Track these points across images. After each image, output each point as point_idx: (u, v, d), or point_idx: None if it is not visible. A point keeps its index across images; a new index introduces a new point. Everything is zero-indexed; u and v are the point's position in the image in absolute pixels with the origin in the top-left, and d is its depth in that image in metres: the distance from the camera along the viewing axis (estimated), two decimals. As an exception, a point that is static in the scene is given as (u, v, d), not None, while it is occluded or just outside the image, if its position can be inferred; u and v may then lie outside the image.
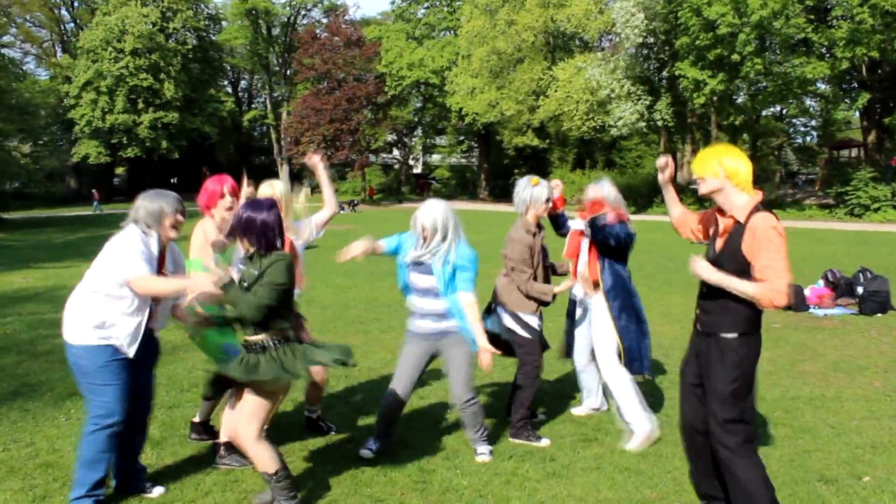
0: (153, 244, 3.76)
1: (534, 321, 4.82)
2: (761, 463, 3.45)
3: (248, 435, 3.60)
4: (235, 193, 4.47)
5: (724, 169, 3.36)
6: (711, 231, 3.64)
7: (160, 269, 3.81)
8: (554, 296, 4.76)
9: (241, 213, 3.63)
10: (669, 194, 3.90)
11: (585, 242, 4.94)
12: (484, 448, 4.51)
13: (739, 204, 3.37)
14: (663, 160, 3.83)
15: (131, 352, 3.71)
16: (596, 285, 4.85)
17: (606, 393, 5.12)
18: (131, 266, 3.60)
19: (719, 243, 3.47)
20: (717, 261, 3.42)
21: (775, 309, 3.32)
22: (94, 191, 42.88)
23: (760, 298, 3.24)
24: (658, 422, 4.84)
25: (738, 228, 3.35)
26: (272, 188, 4.60)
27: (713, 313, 3.46)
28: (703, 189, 3.45)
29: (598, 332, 4.87)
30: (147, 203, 3.79)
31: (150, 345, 3.89)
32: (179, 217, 3.84)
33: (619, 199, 4.87)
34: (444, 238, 4.29)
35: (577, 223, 5.05)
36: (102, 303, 3.65)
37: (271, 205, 3.66)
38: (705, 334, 3.50)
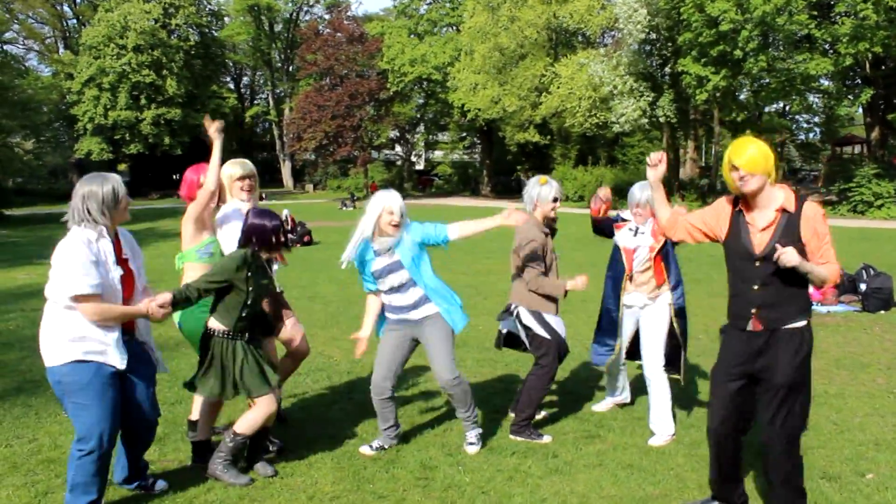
0: (104, 243, 3.47)
1: (557, 322, 4.78)
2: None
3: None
4: None
5: (769, 167, 3.36)
6: (727, 231, 3.55)
7: (120, 258, 3.56)
8: (566, 292, 4.72)
9: (268, 223, 3.92)
10: (658, 194, 3.77)
11: (643, 249, 4.80)
12: (474, 435, 4.54)
13: (781, 196, 3.40)
14: (657, 155, 3.72)
15: (116, 361, 3.48)
16: (661, 285, 4.78)
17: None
18: (74, 284, 3.33)
19: (763, 237, 3.41)
20: (768, 256, 3.35)
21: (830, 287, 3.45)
22: None
23: (830, 279, 3.39)
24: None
25: (791, 219, 3.37)
26: (243, 167, 4.62)
27: (780, 306, 3.42)
28: (753, 186, 3.37)
29: (655, 334, 4.78)
30: (96, 188, 3.46)
31: (142, 360, 3.71)
32: (128, 197, 3.61)
33: None
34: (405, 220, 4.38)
35: (625, 238, 4.90)
36: (72, 315, 3.40)
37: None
38: (767, 332, 3.43)
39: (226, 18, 58.29)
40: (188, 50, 49.86)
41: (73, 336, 3.41)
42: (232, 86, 62.84)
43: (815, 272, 3.35)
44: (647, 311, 4.83)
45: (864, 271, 9.65)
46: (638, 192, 4.80)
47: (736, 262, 3.53)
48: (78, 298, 3.36)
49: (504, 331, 4.98)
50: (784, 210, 3.39)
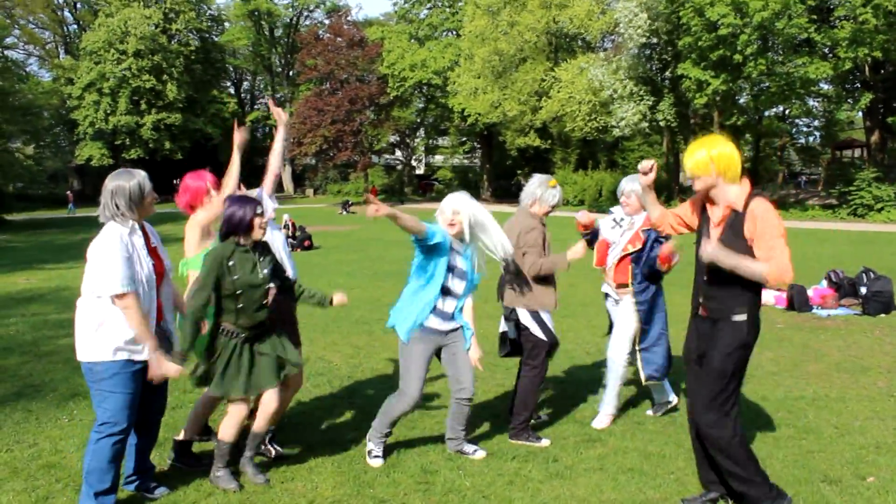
0: (136, 237, 3.64)
1: (550, 320, 4.80)
2: (745, 436, 3.62)
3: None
4: (217, 188, 4.44)
5: (715, 166, 3.48)
6: (698, 222, 3.75)
7: (149, 248, 3.73)
8: (569, 264, 4.76)
9: (249, 209, 3.85)
10: (650, 197, 3.97)
11: (615, 248, 5.06)
12: (471, 449, 4.54)
13: (733, 194, 3.51)
14: (648, 164, 3.86)
15: (145, 354, 3.61)
16: (624, 286, 5.03)
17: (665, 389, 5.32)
18: (112, 284, 3.47)
19: (716, 233, 3.57)
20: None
21: (783, 285, 3.38)
22: (69, 192, 43.63)
23: (769, 276, 3.35)
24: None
25: (738, 217, 3.47)
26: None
27: (719, 299, 3.55)
28: (697, 187, 3.58)
29: (621, 328, 5.09)
30: (123, 183, 3.62)
31: (165, 348, 3.82)
32: (154, 193, 3.77)
33: None
34: (475, 231, 4.40)
35: (605, 229, 5.13)
36: (107, 309, 3.53)
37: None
38: (711, 319, 3.59)
39: (226, 23, 58.43)
40: (188, 55, 49.97)
41: (107, 330, 3.52)
42: (232, 90, 62.95)
43: (742, 268, 3.36)
44: (617, 309, 5.13)
45: (864, 275, 9.66)
46: (625, 182, 5.03)
47: (697, 253, 3.68)
48: (115, 297, 3.50)
49: (509, 337, 4.92)
50: (732, 208, 3.49)
